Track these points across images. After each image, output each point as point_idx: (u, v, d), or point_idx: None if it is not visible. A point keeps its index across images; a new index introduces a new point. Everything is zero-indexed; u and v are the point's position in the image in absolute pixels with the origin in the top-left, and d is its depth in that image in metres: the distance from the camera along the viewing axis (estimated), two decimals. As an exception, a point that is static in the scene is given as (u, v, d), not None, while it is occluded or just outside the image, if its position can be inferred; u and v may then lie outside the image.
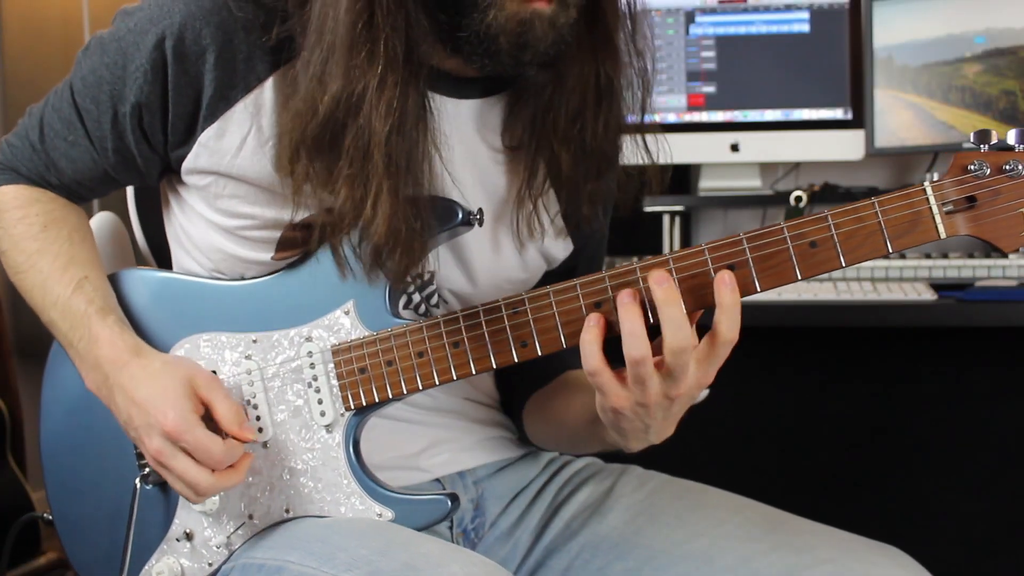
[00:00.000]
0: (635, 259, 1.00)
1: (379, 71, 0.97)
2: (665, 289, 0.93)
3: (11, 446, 2.39)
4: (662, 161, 1.14)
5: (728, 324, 0.94)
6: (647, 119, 1.13)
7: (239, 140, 1.07)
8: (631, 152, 1.14)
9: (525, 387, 1.27)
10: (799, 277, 0.95)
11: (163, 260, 1.34)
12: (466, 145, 1.12)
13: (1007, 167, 0.93)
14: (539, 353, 1.01)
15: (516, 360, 1.02)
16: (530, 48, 1.00)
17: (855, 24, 2.20)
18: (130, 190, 1.40)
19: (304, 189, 1.03)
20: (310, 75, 1.00)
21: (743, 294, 0.95)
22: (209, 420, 1.05)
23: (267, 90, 1.06)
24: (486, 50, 1.00)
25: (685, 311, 0.94)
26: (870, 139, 2.20)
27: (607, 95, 1.10)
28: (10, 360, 2.49)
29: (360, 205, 1.00)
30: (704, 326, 0.96)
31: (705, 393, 1.58)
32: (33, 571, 2.35)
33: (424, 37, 1.01)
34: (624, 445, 1.07)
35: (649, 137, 1.13)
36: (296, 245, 1.09)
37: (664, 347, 0.94)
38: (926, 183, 0.94)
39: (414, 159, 1.01)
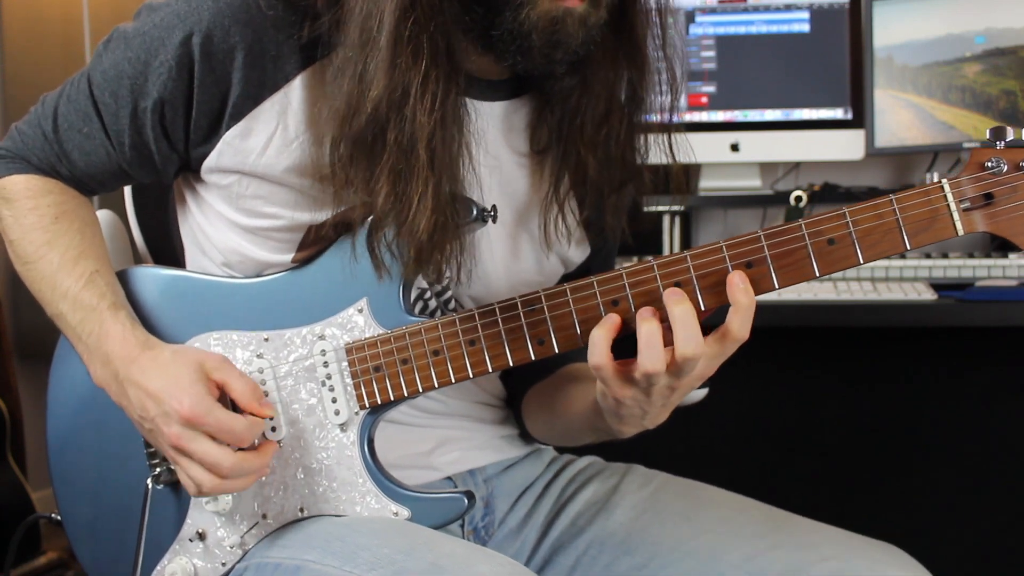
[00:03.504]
0: (650, 257, 1.00)
1: (423, 67, 0.97)
2: (683, 308, 0.95)
3: (11, 446, 2.39)
4: (686, 161, 1.14)
5: (740, 324, 0.95)
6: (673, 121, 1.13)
7: (265, 139, 1.06)
8: (655, 154, 1.14)
9: (526, 380, 1.28)
10: (817, 274, 0.96)
11: (161, 259, 1.33)
12: (490, 148, 1.11)
13: (1024, 164, 0.93)
14: (556, 351, 1.01)
15: (533, 358, 1.02)
16: (562, 46, 1.00)
17: (855, 24, 2.21)
18: (127, 189, 1.38)
19: (341, 190, 1.03)
20: (351, 74, 0.99)
21: (762, 292, 0.96)
22: (224, 403, 1.04)
23: (295, 89, 1.05)
24: (519, 47, 1.00)
25: (699, 324, 0.95)
26: (870, 139, 2.20)
27: (633, 100, 1.10)
28: (10, 360, 2.48)
29: (404, 201, 0.99)
30: (711, 325, 0.97)
31: (704, 392, 1.58)
32: (33, 571, 2.34)
33: (461, 35, 1.01)
34: (619, 430, 1.08)
35: (675, 139, 1.13)
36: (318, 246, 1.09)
37: (676, 352, 0.95)
38: (944, 180, 0.94)
39: (454, 155, 1.01)
